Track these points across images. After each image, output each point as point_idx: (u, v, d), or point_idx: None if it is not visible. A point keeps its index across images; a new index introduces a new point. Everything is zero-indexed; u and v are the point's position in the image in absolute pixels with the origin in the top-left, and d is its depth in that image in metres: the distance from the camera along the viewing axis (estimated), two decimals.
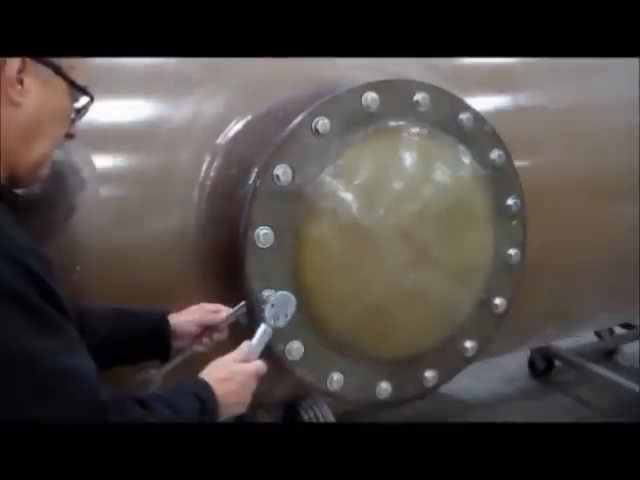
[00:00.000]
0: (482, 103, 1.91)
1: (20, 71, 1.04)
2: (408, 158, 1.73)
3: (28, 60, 1.05)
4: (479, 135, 1.82)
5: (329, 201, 1.63)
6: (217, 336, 1.47)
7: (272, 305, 1.35)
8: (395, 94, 1.70)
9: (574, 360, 3.26)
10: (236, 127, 1.70)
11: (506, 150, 1.86)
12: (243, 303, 1.48)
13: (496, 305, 1.90)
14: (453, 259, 1.78)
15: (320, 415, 1.90)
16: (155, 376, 1.42)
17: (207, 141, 1.67)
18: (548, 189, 2.04)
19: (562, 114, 2.16)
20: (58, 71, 1.09)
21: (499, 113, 2.01)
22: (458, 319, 1.84)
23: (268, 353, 1.36)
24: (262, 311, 1.37)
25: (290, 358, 1.63)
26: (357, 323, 1.70)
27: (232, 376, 1.25)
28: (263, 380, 1.30)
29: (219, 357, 1.29)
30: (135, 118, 1.65)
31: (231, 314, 1.46)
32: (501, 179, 1.87)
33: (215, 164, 1.66)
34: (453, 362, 1.90)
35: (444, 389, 2.28)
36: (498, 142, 1.86)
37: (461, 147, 1.80)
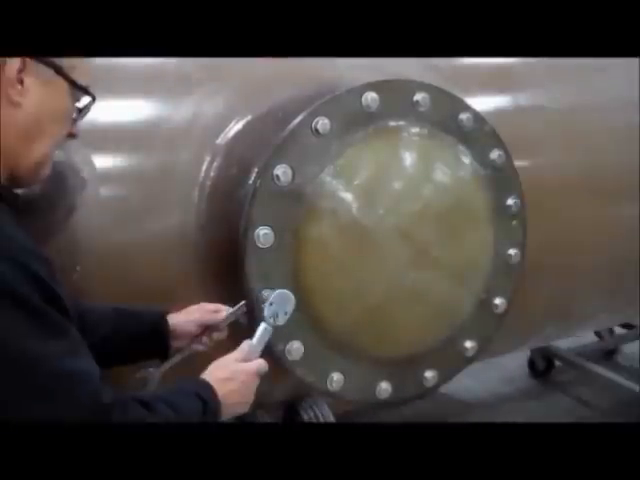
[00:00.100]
0: (482, 103, 1.91)
1: (20, 71, 1.04)
2: (408, 158, 1.73)
3: (28, 60, 1.04)
4: (479, 135, 1.82)
5: (329, 201, 1.63)
6: (217, 335, 1.47)
7: (271, 303, 1.35)
8: (395, 94, 1.70)
9: (574, 360, 3.26)
10: (236, 127, 1.70)
11: (506, 150, 1.86)
12: (243, 303, 1.48)
13: (496, 305, 1.90)
14: (453, 259, 1.78)
15: (320, 415, 1.90)
16: (154, 375, 1.42)
17: (207, 141, 1.67)
18: (548, 189, 2.04)
19: (562, 114, 2.16)
20: (59, 71, 1.09)
21: (499, 113, 2.01)
22: (458, 319, 1.84)
23: (268, 353, 1.36)
24: (261, 310, 1.37)
25: (290, 358, 1.63)
26: (357, 323, 1.70)
27: (234, 376, 1.25)
28: (263, 380, 1.30)
29: (219, 356, 1.29)
30: (135, 118, 1.65)
31: (231, 314, 1.46)
32: (501, 179, 1.87)
33: (215, 164, 1.66)
34: (453, 362, 1.90)
35: (444, 389, 2.28)
36: (498, 142, 1.86)
37: (461, 147, 1.80)
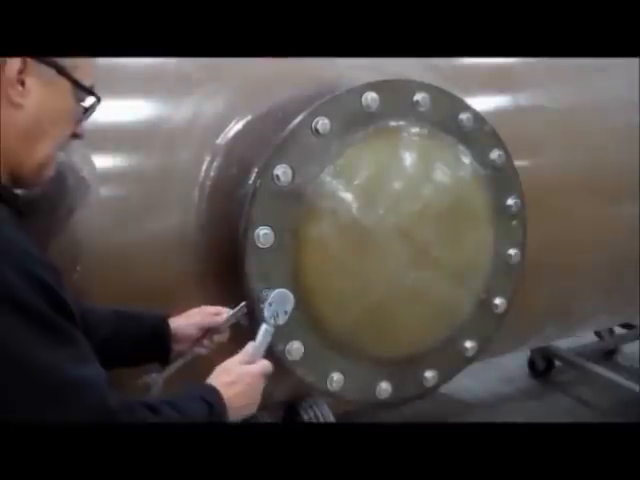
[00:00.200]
0: (482, 103, 1.91)
1: (21, 72, 1.02)
2: (408, 158, 1.73)
3: (29, 60, 1.03)
4: (479, 135, 1.82)
5: (329, 201, 1.63)
6: (218, 338, 1.47)
7: (270, 304, 1.36)
8: (395, 94, 1.70)
9: (574, 360, 3.26)
10: (236, 127, 1.70)
11: (506, 150, 1.86)
12: (243, 304, 1.48)
13: (496, 305, 1.90)
14: (453, 259, 1.78)
15: (320, 415, 1.90)
16: (156, 380, 1.42)
17: (207, 141, 1.67)
18: (548, 189, 2.04)
19: (562, 114, 2.16)
20: (61, 71, 1.07)
21: (499, 113, 2.01)
22: (458, 319, 1.84)
23: (268, 353, 1.36)
24: (261, 311, 1.37)
25: (290, 358, 1.63)
26: (357, 323, 1.70)
27: (239, 378, 1.25)
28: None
29: (221, 359, 1.29)
30: (135, 118, 1.65)
31: (231, 315, 1.46)
32: (501, 179, 1.87)
33: (215, 164, 1.66)
34: (453, 362, 1.89)
35: (444, 389, 2.28)
36: (498, 142, 1.86)
37: (461, 147, 1.80)
